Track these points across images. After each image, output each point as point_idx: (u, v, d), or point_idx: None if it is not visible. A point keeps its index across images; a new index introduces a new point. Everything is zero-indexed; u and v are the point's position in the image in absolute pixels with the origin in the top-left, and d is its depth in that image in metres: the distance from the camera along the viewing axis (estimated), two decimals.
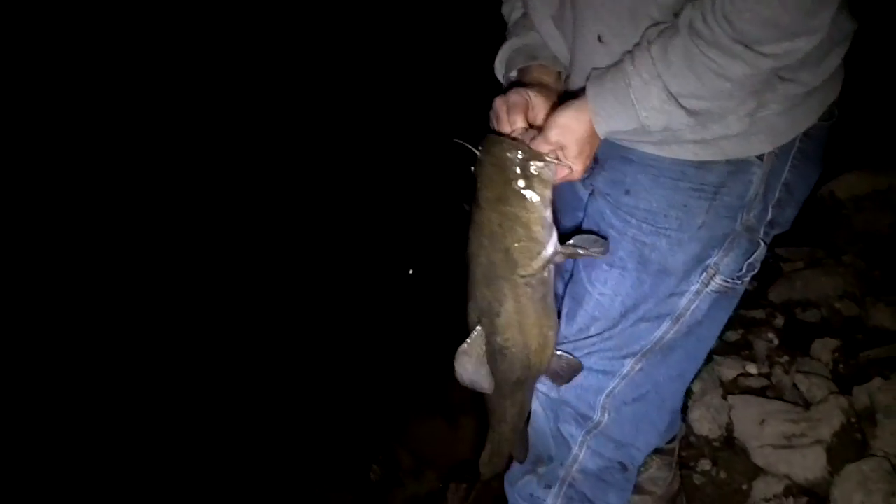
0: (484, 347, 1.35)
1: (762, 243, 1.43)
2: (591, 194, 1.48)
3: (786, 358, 2.75)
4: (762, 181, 1.32)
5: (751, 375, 2.72)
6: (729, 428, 2.49)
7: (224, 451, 3.01)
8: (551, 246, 1.26)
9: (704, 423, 2.52)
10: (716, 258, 1.39)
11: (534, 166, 1.21)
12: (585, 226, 1.48)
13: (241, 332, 3.64)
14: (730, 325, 3.04)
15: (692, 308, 1.45)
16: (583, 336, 1.51)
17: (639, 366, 1.52)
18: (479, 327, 1.35)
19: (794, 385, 2.56)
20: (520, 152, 1.21)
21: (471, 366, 1.35)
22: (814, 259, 3.38)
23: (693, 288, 1.42)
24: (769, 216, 1.39)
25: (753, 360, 2.80)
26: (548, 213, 1.24)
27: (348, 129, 5.05)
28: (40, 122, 4.73)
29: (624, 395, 1.56)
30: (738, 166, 1.30)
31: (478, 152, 1.24)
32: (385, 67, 5.40)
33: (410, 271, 3.48)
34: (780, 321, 3.01)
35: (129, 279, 3.90)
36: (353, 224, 4.33)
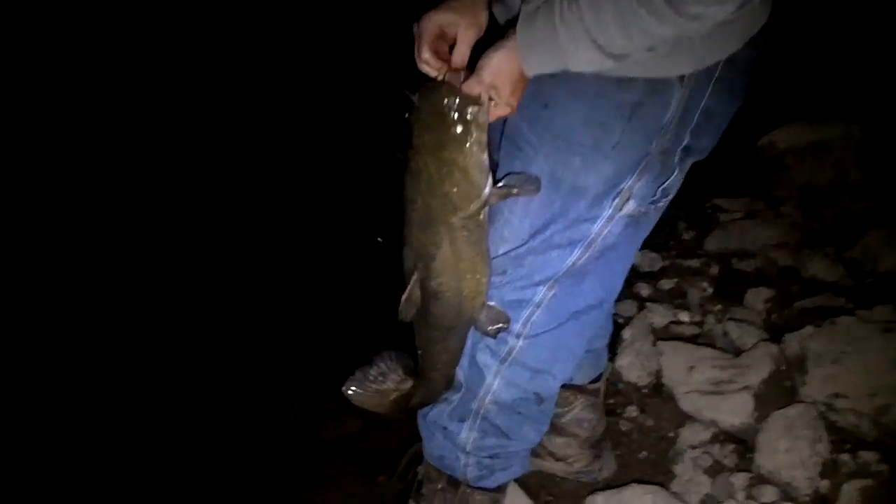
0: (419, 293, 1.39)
1: (677, 169, 1.41)
2: None
3: (719, 307, 2.74)
4: (681, 104, 1.30)
5: (682, 323, 2.70)
6: (658, 375, 2.46)
7: (141, 396, 2.87)
8: (487, 188, 1.27)
9: (633, 369, 2.48)
10: (629, 182, 1.38)
11: (469, 111, 1.21)
12: (503, 143, 1.46)
13: (170, 280, 3.53)
14: (664, 273, 3.04)
15: (604, 233, 1.44)
16: (491, 256, 1.48)
17: (552, 292, 1.51)
18: (416, 273, 1.37)
19: (726, 333, 2.54)
20: (456, 98, 1.22)
21: (412, 310, 1.40)
22: (752, 210, 3.37)
23: (605, 213, 1.41)
24: (685, 141, 1.36)
25: (686, 308, 2.78)
26: (484, 157, 1.24)
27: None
28: (39, 121, 4.61)
29: (541, 323, 1.55)
30: (657, 86, 1.27)
31: (414, 100, 1.25)
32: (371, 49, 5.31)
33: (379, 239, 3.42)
34: (715, 270, 2.99)
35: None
36: (289, 181, 4.26)
